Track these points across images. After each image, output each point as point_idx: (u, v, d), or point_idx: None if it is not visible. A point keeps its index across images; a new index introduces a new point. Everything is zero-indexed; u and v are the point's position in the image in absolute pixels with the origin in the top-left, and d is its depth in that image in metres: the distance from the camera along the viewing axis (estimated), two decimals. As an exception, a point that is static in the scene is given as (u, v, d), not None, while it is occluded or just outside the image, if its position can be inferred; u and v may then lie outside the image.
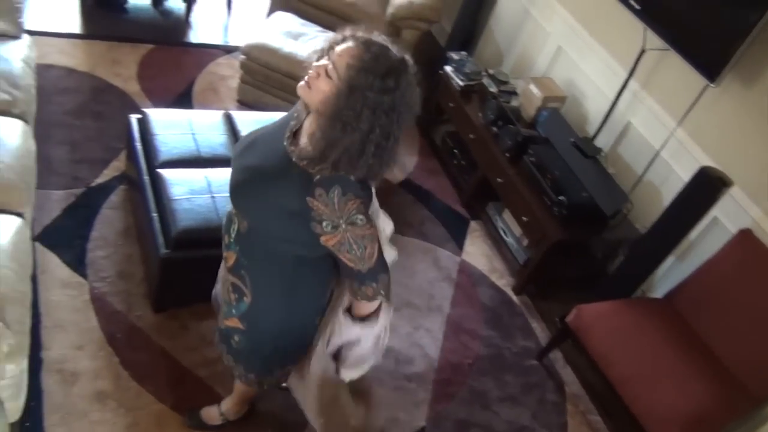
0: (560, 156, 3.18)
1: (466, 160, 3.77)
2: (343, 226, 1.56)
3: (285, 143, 1.63)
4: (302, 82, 1.55)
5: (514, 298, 3.31)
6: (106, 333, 2.52)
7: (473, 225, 3.64)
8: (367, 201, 1.61)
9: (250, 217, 1.71)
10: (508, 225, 3.46)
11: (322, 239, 1.60)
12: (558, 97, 3.52)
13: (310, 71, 1.54)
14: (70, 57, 3.65)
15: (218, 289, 2.11)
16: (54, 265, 2.66)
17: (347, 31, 1.54)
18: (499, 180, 3.37)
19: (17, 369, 1.91)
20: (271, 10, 4.17)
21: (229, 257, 1.82)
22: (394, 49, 1.52)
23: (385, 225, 1.85)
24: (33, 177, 2.50)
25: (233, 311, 1.88)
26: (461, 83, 3.70)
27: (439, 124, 4.14)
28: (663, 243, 2.89)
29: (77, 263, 2.70)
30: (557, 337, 2.96)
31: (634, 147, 3.30)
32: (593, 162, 3.20)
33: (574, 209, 3.02)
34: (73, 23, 3.93)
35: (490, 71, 3.74)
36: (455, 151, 3.85)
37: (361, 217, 1.56)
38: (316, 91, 1.51)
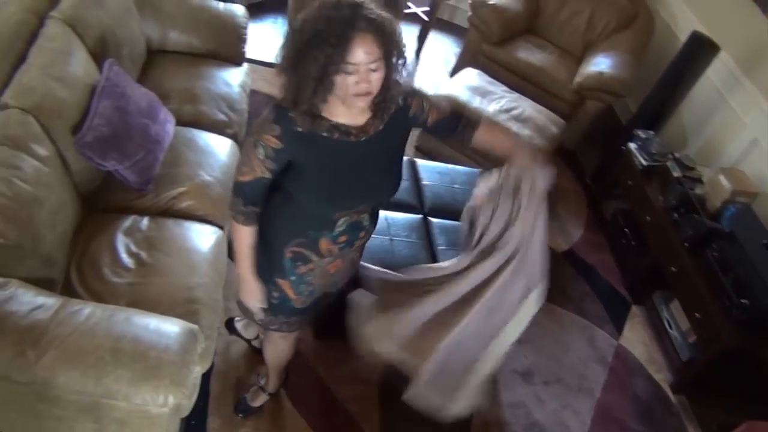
0: (747, 255, 2.98)
1: (637, 241, 3.63)
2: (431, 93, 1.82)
3: (371, 129, 1.73)
4: (363, 97, 1.61)
5: (671, 395, 3.11)
6: (270, 349, 2.65)
7: (635, 310, 3.48)
8: None
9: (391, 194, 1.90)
10: (675, 317, 3.27)
11: (430, 119, 1.85)
12: (749, 192, 3.31)
13: (363, 84, 1.58)
14: (272, 85, 3.94)
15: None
16: (234, 276, 2.83)
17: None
18: (672, 269, 3.20)
19: (202, 371, 2.05)
20: (458, 66, 4.30)
21: (362, 244, 2.05)
22: None
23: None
24: (235, 194, 2.69)
25: None
26: (644, 162, 3.58)
27: (610, 199, 4.03)
28: None
29: (254, 278, 2.86)
30: (717, 449, 2.75)
31: (833, 260, 3.03)
32: (785, 268, 2.96)
33: (757, 315, 2.80)
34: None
35: (676, 155, 3.60)
36: (626, 230, 3.72)
37: None
38: (375, 86, 1.61)
